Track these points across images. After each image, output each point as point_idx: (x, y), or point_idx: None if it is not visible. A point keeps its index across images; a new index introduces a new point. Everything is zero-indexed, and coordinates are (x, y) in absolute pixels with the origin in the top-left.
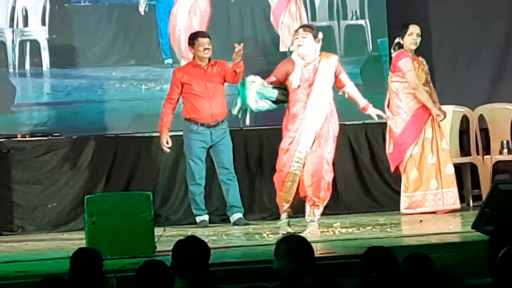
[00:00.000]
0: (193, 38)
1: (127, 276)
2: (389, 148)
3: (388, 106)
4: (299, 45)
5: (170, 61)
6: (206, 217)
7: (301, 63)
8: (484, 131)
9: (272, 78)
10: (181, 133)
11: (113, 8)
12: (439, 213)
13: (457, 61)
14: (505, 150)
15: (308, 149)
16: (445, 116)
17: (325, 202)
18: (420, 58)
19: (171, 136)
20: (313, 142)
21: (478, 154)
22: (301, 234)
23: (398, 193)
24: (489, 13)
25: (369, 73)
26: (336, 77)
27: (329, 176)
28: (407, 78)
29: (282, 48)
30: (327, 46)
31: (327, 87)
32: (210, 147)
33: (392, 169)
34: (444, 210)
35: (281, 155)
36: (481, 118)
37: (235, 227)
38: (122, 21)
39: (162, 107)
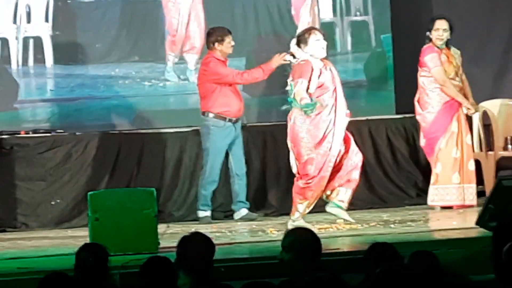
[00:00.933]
0: (222, 35)
1: (131, 273)
2: (422, 142)
3: (418, 101)
4: (323, 48)
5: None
6: (209, 213)
7: (319, 66)
8: (488, 127)
9: (305, 84)
10: (185, 129)
11: (116, 4)
12: (456, 208)
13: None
14: (509, 146)
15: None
16: (476, 110)
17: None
18: (453, 50)
19: (173, 133)
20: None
21: (481, 150)
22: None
23: (401, 189)
24: (493, 8)
25: (373, 69)
26: None
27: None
28: (433, 74)
29: None
30: (331, 42)
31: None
32: (231, 142)
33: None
34: (464, 205)
35: (318, 159)
36: (484, 114)
37: (239, 223)
38: (126, 18)
39: (240, 78)
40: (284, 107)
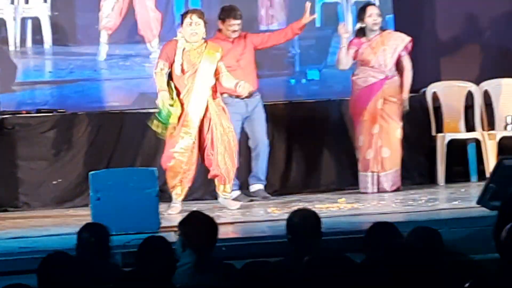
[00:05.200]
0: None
1: (132, 252)
2: None
3: None
4: (192, 34)
5: None
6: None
7: (182, 50)
8: (489, 107)
9: (162, 63)
10: None
11: None
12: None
13: (462, 36)
14: (510, 126)
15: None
16: (405, 108)
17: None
18: (381, 38)
19: None
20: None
21: (483, 129)
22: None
23: (405, 168)
24: None
25: None
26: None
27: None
28: None
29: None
30: (335, 23)
31: (210, 74)
32: (246, 118)
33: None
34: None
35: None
36: (486, 93)
37: (241, 202)
38: None
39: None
40: None
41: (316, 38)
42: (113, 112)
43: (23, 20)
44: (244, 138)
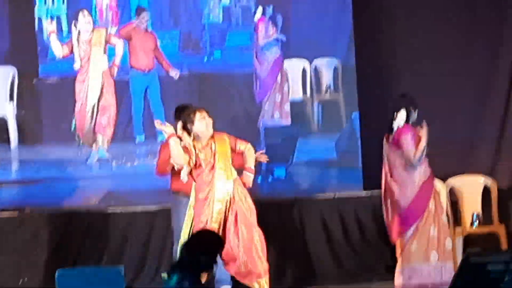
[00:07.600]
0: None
1: None
2: (390, 217)
3: (391, 176)
4: (208, 127)
5: (142, 138)
6: None
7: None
8: (455, 204)
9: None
10: (153, 207)
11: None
12: (432, 287)
13: (429, 132)
14: (476, 223)
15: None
16: None
17: None
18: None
19: (142, 213)
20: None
21: (449, 226)
22: None
23: (370, 265)
24: (460, 82)
25: (344, 147)
26: (233, 151)
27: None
28: (408, 152)
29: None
30: (302, 120)
31: (228, 166)
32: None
33: (394, 238)
34: (443, 283)
35: None
36: (451, 190)
37: None
38: None
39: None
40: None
41: (283, 136)
42: (80, 212)
43: None
44: None
